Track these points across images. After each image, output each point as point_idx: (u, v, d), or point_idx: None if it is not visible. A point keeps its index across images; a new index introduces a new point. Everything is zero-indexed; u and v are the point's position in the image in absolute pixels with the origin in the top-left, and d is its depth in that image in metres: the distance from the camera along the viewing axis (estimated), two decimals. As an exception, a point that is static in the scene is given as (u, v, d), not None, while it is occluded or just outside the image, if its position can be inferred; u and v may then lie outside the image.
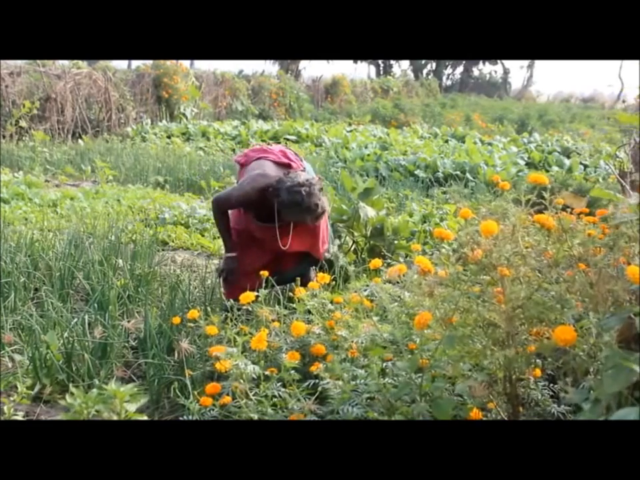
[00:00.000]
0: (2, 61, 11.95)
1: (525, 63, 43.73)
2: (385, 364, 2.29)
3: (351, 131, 15.22)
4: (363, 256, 4.71)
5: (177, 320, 2.81)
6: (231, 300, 3.10)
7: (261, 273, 3.02)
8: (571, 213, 2.09)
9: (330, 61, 32.71)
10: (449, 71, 45.64)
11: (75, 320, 3.23)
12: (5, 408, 2.40)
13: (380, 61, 42.55)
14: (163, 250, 5.40)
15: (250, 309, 2.74)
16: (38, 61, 12.73)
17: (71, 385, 2.60)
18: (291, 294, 3.01)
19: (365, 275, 4.02)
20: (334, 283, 3.36)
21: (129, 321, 2.92)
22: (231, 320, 2.72)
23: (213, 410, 2.20)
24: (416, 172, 9.49)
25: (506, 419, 2.00)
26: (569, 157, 11.14)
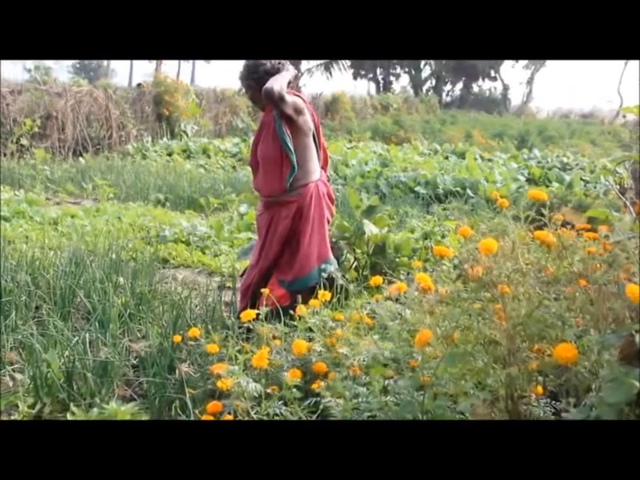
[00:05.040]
0: (3, 79, 12.01)
1: (524, 78, 43.96)
2: (386, 382, 2.29)
3: (350, 147, 15.26)
4: (364, 273, 4.71)
5: (177, 338, 2.81)
6: (232, 318, 3.10)
7: (263, 290, 3.02)
8: (571, 229, 2.08)
9: (330, 78, 32.87)
10: (448, 87, 45.87)
11: (76, 338, 3.22)
12: (6, 427, 2.39)
13: (380, 77, 42.79)
14: (163, 268, 5.40)
15: (251, 326, 2.74)
16: (39, 79, 12.82)
17: (71, 403, 2.60)
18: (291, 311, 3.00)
19: (366, 293, 4.02)
20: (335, 300, 3.36)
21: (131, 340, 2.92)
22: (232, 338, 2.72)
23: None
24: (416, 188, 9.50)
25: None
26: (570, 169, 11.16)
